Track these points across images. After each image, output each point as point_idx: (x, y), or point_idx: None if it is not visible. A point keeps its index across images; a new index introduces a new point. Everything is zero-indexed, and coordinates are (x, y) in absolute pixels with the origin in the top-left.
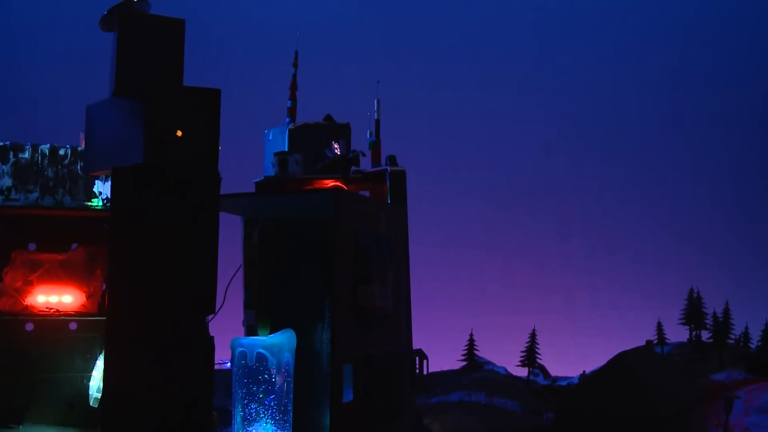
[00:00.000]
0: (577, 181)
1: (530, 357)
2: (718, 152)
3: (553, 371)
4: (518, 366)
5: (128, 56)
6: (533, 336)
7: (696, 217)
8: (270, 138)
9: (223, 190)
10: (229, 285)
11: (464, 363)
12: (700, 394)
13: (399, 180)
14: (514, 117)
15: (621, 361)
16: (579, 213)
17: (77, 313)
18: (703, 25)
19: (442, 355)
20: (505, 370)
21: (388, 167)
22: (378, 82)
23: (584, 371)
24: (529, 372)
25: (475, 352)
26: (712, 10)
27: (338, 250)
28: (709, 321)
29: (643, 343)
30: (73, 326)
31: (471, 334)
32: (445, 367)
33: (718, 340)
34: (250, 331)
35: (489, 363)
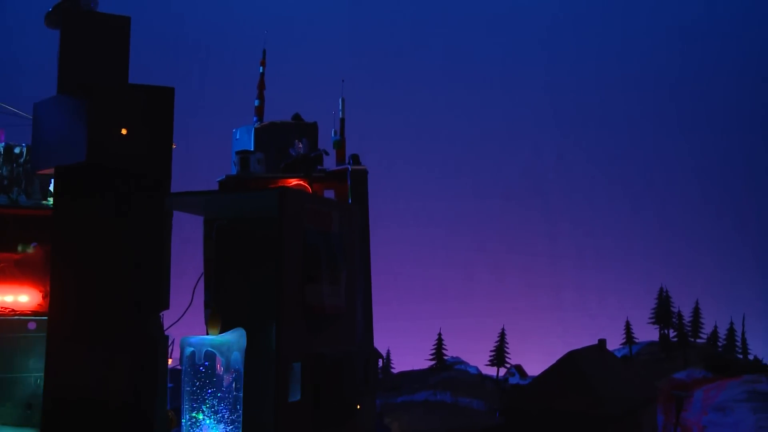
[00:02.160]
0: (566, 182)
1: (499, 356)
2: (709, 153)
3: (539, 371)
4: (487, 365)
5: (72, 54)
6: (502, 335)
7: (686, 218)
8: (237, 137)
9: (194, 188)
10: (196, 286)
11: (433, 363)
12: (651, 393)
13: (360, 179)
14: (504, 116)
15: (569, 360)
16: (568, 214)
17: (34, 313)
18: (695, 28)
19: (423, 354)
20: (477, 369)
21: (349, 166)
22: (343, 80)
23: None
24: (505, 372)
25: (444, 351)
26: (706, 12)
27: (284, 249)
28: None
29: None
30: (32, 326)
31: (439, 334)
32: (417, 367)
33: (682, 339)
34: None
35: (461, 362)
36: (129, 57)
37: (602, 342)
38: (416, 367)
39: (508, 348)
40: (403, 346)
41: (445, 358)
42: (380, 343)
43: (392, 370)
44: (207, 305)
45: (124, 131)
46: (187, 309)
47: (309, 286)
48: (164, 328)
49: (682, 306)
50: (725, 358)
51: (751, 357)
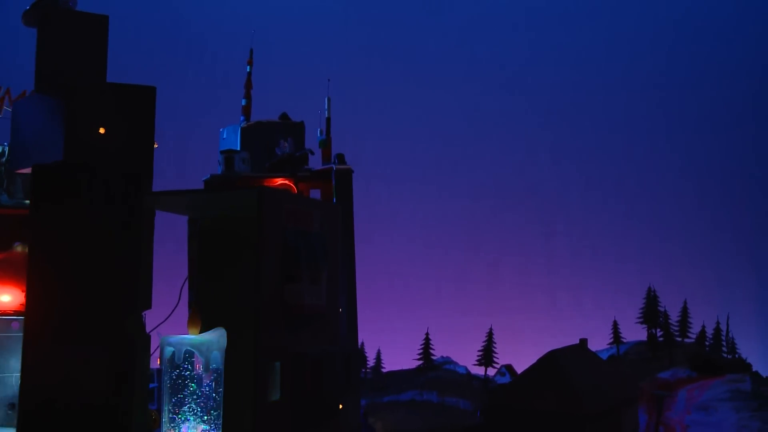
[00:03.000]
0: (561, 181)
1: (487, 356)
2: (705, 151)
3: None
4: (475, 365)
5: (49, 52)
6: (490, 335)
7: (680, 217)
8: (224, 136)
9: (185, 187)
10: (183, 286)
11: (420, 362)
12: (632, 393)
13: (344, 179)
14: (498, 115)
15: (550, 359)
16: (563, 212)
17: (16, 313)
18: (691, 25)
19: (412, 354)
20: (466, 369)
21: (334, 165)
22: (329, 80)
23: None
24: (496, 371)
25: (432, 351)
26: (700, 10)
27: (262, 249)
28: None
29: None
30: (15, 326)
31: (426, 334)
32: (407, 367)
33: (668, 338)
34: None
35: (451, 362)
36: (107, 55)
37: (583, 341)
38: (406, 367)
39: (495, 348)
40: (398, 346)
41: (434, 357)
42: (373, 343)
43: (383, 370)
44: (191, 305)
45: (102, 130)
46: (174, 309)
47: (288, 286)
48: (149, 329)
49: (676, 305)
50: (709, 357)
51: (739, 357)
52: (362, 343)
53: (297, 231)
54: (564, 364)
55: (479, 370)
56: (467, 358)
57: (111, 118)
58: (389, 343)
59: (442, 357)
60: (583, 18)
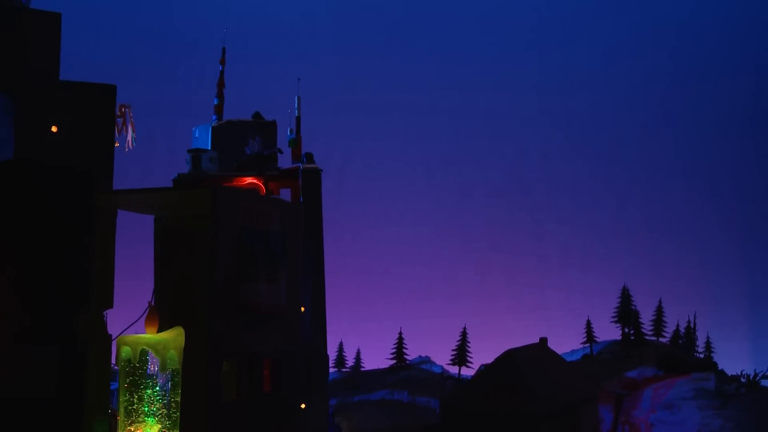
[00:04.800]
0: (552, 181)
1: (461, 356)
2: (694, 155)
3: None
4: (449, 365)
5: (0, 49)
6: (464, 334)
7: (673, 218)
8: (197, 135)
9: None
10: (155, 289)
11: (394, 361)
12: (592, 392)
13: (312, 178)
14: (491, 117)
15: (507, 359)
16: (554, 213)
17: None
18: (684, 28)
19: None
20: (442, 368)
21: (301, 165)
22: (299, 79)
23: None
24: (476, 371)
25: (405, 351)
26: (694, 12)
27: (216, 247)
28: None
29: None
30: None
31: (400, 333)
32: (384, 366)
33: (639, 337)
34: None
35: (427, 362)
36: (60, 53)
37: (543, 340)
38: (383, 366)
39: (470, 347)
40: (385, 345)
41: (409, 357)
42: (358, 343)
43: (362, 369)
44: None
45: (54, 128)
46: (145, 311)
47: (245, 285)
48: (122, 330)
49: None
50: (677, 356)
51: (714, 356)
52: (341, 343)
53: (254, 230)
54: (520, 364)
55: (464, 371)
56: (447, 358)
57: (65, 117)
58: (376, 342)
59: (421, 356)
60: (574, 19)
